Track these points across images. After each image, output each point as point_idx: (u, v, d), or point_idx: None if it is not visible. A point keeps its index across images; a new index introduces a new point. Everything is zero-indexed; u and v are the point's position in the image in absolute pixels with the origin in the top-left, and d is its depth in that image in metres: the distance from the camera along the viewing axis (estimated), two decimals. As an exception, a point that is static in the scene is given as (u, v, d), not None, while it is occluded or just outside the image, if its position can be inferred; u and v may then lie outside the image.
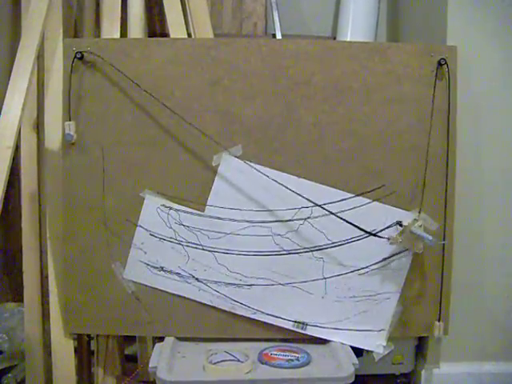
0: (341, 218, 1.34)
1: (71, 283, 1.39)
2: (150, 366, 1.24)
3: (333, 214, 1.35)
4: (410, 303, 1.40)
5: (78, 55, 1.35)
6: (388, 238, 1.35)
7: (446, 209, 1.39)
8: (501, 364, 1.62)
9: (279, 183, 1.34)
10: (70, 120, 1.36)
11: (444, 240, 1.38)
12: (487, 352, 1.62)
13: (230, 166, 1.37)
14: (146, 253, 1.38)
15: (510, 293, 1.61)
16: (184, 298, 1.38)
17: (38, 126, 1.62)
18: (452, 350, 1.61)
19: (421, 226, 1.33)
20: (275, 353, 1.32)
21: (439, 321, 1.40)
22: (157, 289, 1.39)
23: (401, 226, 1.35)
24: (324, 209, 1.35)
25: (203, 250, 1.37)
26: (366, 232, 1.35)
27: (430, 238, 1.29)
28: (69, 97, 1.36)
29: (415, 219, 1.35)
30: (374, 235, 1.36)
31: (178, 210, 1.37)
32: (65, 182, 1.38)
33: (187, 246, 1.37)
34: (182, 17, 1.62)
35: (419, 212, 1.37)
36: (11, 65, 1.48)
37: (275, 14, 1.99)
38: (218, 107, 1.37)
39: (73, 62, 1.35)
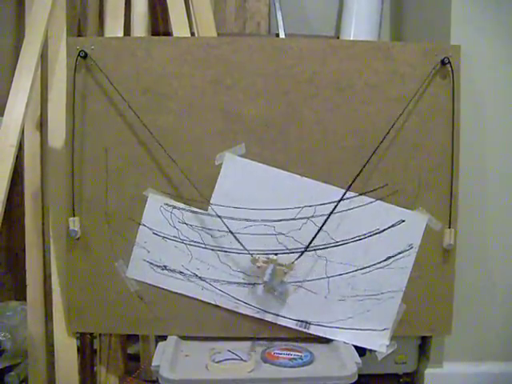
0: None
1: (74, 282, 1.39)
2: (153, 364, 1.23)
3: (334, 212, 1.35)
4: (413, 302, 1.39)
5: (82, 54, 1.35)
6: (252, 256, 1.34)
7: (450, 208, 1.39)
8: (504, 364, 1.61)
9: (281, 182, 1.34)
10: (73, 212, 1.37)
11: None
12: (491, 352, 1.62)
13: (233, 164, 1.37)
14: (149, 252, 1.38)
15: (513, 293, 1.61)
16: (187, 296, 1.38)
17: (42, 125, 1.62)
18: (455, 350, 1.60)
19: (285, 273, 1.33)
20: (278, 352, 1.31)
21: (450, 227, 1.39)
22: (160, 288, 1.38)
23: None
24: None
25: (206, 248, 1.37)
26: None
27: (266, 279, 1.32)
28: (73, 95, 1.36)
29: (293, 263, 1.34)
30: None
31: (182, 209, 1.37)
32: (68, 181, 1.38)
33: (190, 244, 1.37)
34: (186, 16, 1.62)
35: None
36: (15, 63, 1.48)
37: (279, 14, 1.98)
38: (221, 106, 1.37)
39: (76, 60, 1.36)
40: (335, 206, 1.36)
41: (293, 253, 1.37)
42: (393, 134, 1.37)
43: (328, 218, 1.36)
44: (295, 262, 1.34)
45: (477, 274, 1.59)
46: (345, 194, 1.36)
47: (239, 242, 1.35)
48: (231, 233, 1.36)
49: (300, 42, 1.39)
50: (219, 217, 1.36)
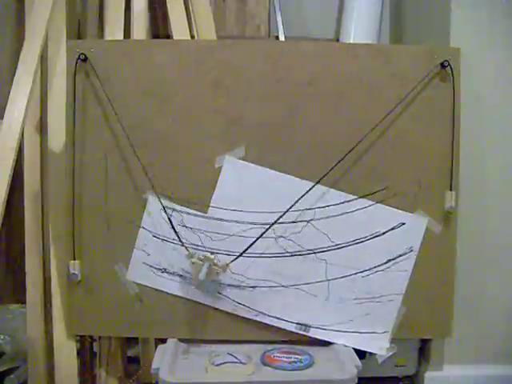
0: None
1: (74, 285, 1.39)
2: (153, 367, 1.23)
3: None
4: (413, 305, 1.39)
5: (82, 57, 1.35)
6: (188, 250, 1.34)
7: (451, 173, 1.38)
8: (504, 367, 1.61)
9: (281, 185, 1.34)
10: (74, 256, 1.38)
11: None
12: (491, 355, 1.62)
13: (232, 167, 1.37)
14: (148, 254, 1.38)
15: (513, 295, 1.61)
16: (187, 299, 1.38)
17: (42, 128, 1.62)
18: (455, 353, 1.60)
19: (217, 274, 1.32)
20: (278, 355, 1.31)
21: (451, 190, 1.38)
22: (159, 290, 1.38)
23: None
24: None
25: (206, 251, 1.37)
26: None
27: (202, 278, 1.28)
28: (73, 98, 1.36)
29: (227, 265, 1.33)
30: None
31: (181, 212, 1.37)
32: (68, 184, 1.38)
33: (190, 247, 1.37)
34: (186, 19, 1.62)
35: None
36: (15, 66, 1.48)
37: (278, 17, 1.99)
38: (220, 109, 1.37)
39: (76, 63, 1.36)
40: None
41: (293, 256, 1.37)
42: (392, 137, 1.37)
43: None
44: (230, 264, 1.34)
45: (477, 276, 1.59)
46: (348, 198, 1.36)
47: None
48: (231, 236, 1.36)
49: (299, 44, 1.39)
50: (219, 220, 1.36)
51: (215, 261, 1.31)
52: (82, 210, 1.38)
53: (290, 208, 1.34)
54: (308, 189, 1.35)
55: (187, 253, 1.33)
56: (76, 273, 1.36)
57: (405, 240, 1.38)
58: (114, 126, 1.36)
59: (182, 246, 1.36)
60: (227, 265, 1.33)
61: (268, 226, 1.34)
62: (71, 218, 1.37)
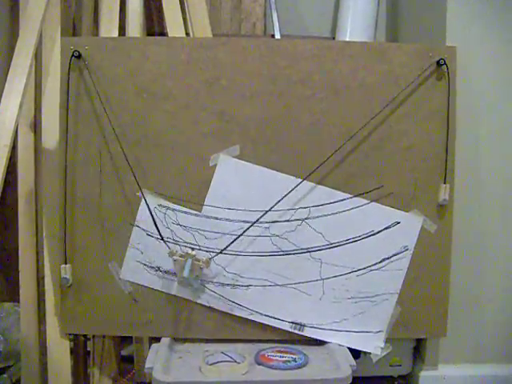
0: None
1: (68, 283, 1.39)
2: (146, 366, 1.23)
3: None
4: (408, 304, 1.39)
5: (76, 54, 1.34)
6: (169, 248, 1.33)
7: (444, 210, 1.38)
8: (499, 366, 1.61)
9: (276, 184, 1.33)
10: (65, 260, 1.37)
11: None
12: (486, 354, 1.61)
13: (227, 166, 1.36)
14: (142, 253, 1.38)
15: (509, 294, 1.61)
16: (181, 298, 1.38)
17: (36, 125, 1.62)
18: (450, 352, 1.60)
19: (201, 269, 1.33)
20: (272, 354, 1.31)
21: (445, 183, 1.38)
22: (153, 289, 1.38)
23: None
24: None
25: (200, 250, 1.36)
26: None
27: (186, 275, 1.29)
28: (67, 95, 1.36)
29: (209, 259, 1.34)
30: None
31: (175, 210, 1.37)
32: (61, 182, 1.37)
33: (184, 246, 1.36)
34: (181, 16, 1.61)
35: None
36: (9, 63, 1.48)
37: (274, 15, 1.98)
38: (215, 107, 1.37)
39: (70, 60, 1.35)
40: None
41: (287, 254, 1.36)
42: (388, 135, 1.37)
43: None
44: (212, 260, 1.34)
45: (472, 275, 1.59)
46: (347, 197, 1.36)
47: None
48: (225, 234, 1.36)
49: (295, 42, 1.39)
50: (213, 218, 1.35)
51: (197, 256, 1.31)
52: (76, 208, 1.37)
53: (275, 205, 1.34)
54: (294, 185, 1.35)
55: (169, 250, 1.33)
56: (67, 277, 1.36)
57: (400, 239, 1.38)
58: (108, 124, 1.35)
59: (176, 244, 1.35)
60: (210, 259, 1.33)
61: (249, 226, 1.35)
62: (63, 218, 1.36)
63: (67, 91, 1.36)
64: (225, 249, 1.34)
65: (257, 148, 1.37)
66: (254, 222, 1.34)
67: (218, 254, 1.35)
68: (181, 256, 1.31)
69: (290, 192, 1.34)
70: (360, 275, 1.38)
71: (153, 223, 1.36)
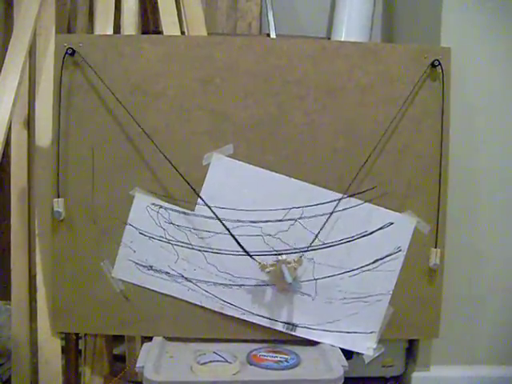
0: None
1: (59, 282, 1.38)
2: (138, 365, 1.22)
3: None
4: (401, 305, 1.39)
5: (69, 51, 1.34)
6: (259, 262, 1.33)
7: (438, 211, 1.38)
8: (491, 368, 1.61)
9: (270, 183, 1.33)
10: (58, 194, 1.36)
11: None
12: (478, 355, 1.62)
13: (220, 165, 1.36)
14: (135, 251, 1.37)
15: (501, 296, 1.61)
16: (173, 297, 1.37)
17: (29, 123, 1.61)
18: (443, 354, 1.60)
19: (295, 270, 1.33)
20: (264, 354, 1.30)
21: (436, 247, 1.38)
22: (146, 288, 1.37)
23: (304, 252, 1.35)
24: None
25: (193, 249, 1.36)
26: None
27: (290, 281, 1.28)
28: (59, 93, 1.35)
29: (300, 258, 1.34)
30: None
31: (168, 209, 1.36)
32: (54, 180, 1.36)
33: (177, 245, 1.36)
34: (176, 15, 1.61)
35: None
36: (2, 61, 1.47)
37: (270, 14, 1.98)
38: (209, 106, 1.36)
39: (64, 58, 1.34)
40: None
41: (280, 254, 1.36)
42: (382, 136, 1.37)
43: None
44: (302, 257, 1.34)
45: (465, 276, 1.59)
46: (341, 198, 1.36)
47: (238, 242, 1.35)
48: (218, 233, 1.35)
49: (290, 42, 1.39)
50: (206, 217, 1.35)
51: (288, 259, 1.32)
52: (68, 206, 1.36)
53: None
54: (289, 185, 1.35)
55: (260, 265, 1.32)
56: (59, 210, 1.34)
57: (393, 240, 1.38)
58: (102, 122, 1.35)
59: (169, 243, 1.35)
60: (300, 258, 1.33)
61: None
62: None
63: (59, 88, 1.35)
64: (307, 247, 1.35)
65: (251, 147, 1.36)
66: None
67: (306, 251, 1.35)
68: (272, 266, 1.31)
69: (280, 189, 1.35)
70: (353, 276, 1.38)
71: (145, 222, 1.35)
